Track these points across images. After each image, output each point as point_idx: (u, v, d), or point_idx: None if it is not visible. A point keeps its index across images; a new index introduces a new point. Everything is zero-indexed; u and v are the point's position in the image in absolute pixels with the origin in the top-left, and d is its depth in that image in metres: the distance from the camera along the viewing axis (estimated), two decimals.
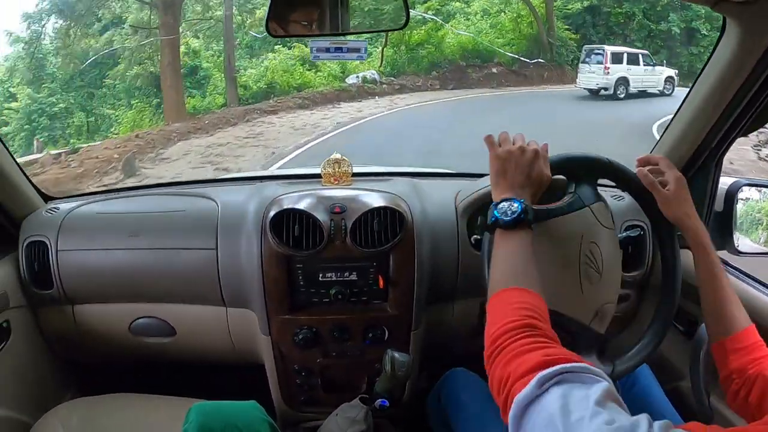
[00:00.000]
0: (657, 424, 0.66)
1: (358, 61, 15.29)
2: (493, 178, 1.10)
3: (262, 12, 15.74)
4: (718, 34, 1.23)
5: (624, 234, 1.52)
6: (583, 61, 16.11)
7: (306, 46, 15.83)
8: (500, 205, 1.03)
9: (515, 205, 1.02)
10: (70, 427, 1.37)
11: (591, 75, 15.60)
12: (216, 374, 1.84)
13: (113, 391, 1.52)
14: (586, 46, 16.76)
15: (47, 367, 1.75)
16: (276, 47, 16.42)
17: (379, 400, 1.44)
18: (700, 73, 1.35)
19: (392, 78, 16.69)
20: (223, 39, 15.39)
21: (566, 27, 18.00)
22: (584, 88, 15.77)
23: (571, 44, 17.82)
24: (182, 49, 14.82)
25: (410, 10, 1.40)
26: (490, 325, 0.89)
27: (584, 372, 0.73)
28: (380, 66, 16.46)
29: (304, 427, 1.63)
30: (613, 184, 1.34)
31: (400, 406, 1.58)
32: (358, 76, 15.98)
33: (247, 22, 16.40)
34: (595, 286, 1.20)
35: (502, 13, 18.00)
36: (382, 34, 15.39)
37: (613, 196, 1.63)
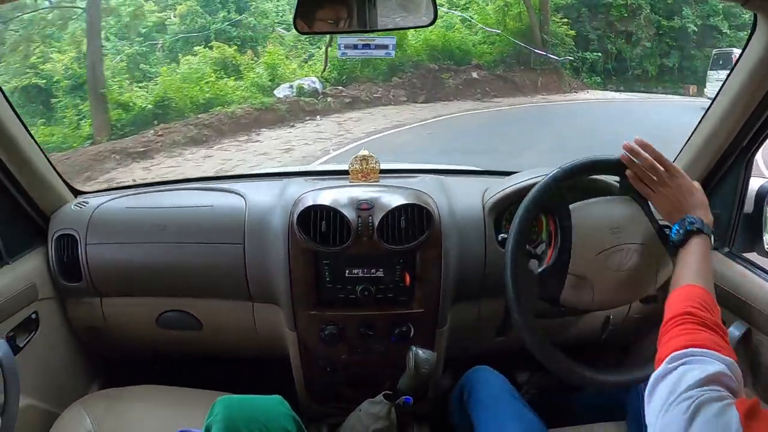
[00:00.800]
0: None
1: (295, 68, 12.60)
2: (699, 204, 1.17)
3: (185, 7, 13.26)
4: (739, 32, 1.22)
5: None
6: (712, 68, 14.51)
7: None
8: (696, 221, 1.13)
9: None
10: (97, 417, 1.38)
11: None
12: (241, 368, 1.83)
13: (139, 383, 1.52)
14: (715, 51, 15.21)
15: (75, 358, 1.76)
16: (197, 48, 12.23)
17: (403, 397, 1.43)
18: (731, 72, 1.33)
19: (340, 87, 12.23)
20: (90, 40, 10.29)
21: (562, 20, 16.07)
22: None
23: (568, 43, 16.08)
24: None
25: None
26: (673, 305, 1.01)
27: (707, 356, 0.86)
28: (324, 71, 12.48)
29: (328, 422, 1.62)
30: None
31: (423, 404, 1.58)
32: (291, 87, 11.58)
33: (172, 17, 13.12)
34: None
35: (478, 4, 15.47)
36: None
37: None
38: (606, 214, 1.30)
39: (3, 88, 1.39)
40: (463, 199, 1.56)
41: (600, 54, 16.88)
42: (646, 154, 1.19)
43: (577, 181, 1.45)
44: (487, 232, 1.52)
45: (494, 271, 1.48)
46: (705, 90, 14.59)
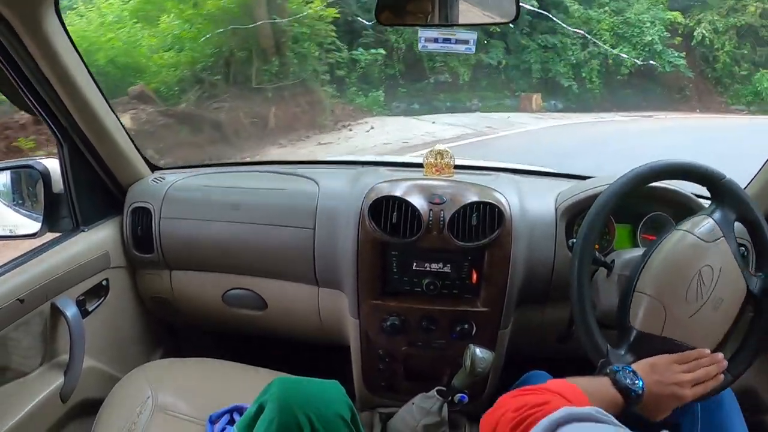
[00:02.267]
0: None
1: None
2: (648, 364, 1.10)
3: None
4: None
5: None
6: None
7: None
8: (630, 373, 1.06)
9: (639, 383, 1.04)
10: (155, 384, 1.40)
11: None
12: (300, 351, 1.83)
13: (200, 355, 1.54)
14: None
15: (140, 326, 1.79)
16: None
17: (459, 394, 1.41)
18: None
19: None
20: None
21: None
22: None
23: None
24: None
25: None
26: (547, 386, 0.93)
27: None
28: None
29: (381, 412, 1.60)
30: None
31: (478, 403, 1.56)
32: None
33: None
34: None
35: None
36: None
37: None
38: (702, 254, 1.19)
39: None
40: (536, 200, 1.52)
41: None
42: None
43: (656, 190, 1.43)
44: (558, 237, 1.47)
45: (562, 277, 1.44)
46: None
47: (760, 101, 12.86)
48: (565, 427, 0.71)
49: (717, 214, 1.20)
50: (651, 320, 1.16)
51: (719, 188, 1.22)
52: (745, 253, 1.39)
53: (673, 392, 1.07)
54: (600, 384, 1.03)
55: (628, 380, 1.03)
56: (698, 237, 1.17)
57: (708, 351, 1.12)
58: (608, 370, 1.06)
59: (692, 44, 13.28)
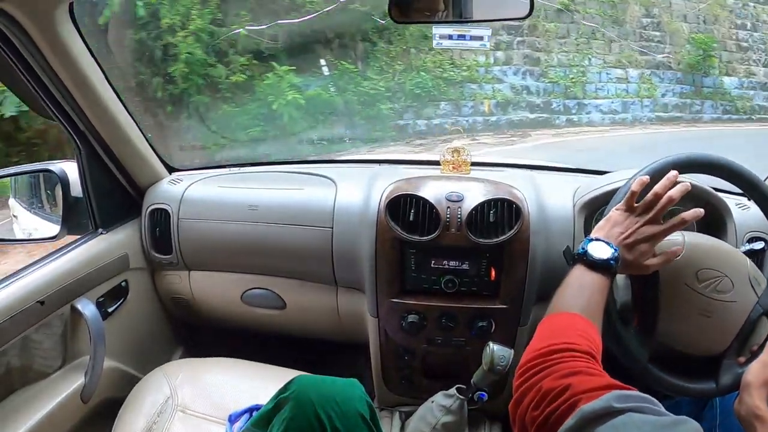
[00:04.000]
0: None
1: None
2: (605, 221, 1.07)
3: None
4: None
5: (746, 247, 1.43)
6: None
7: None
8: (593, 243, 1.01)
9: (610, 250, 0.99)
10: (175, 384, 1.39)
11: None
12: (320, 350, 1.82)
13: (219, 355, 1.53)
14: None
15: (160, 326, 1.80)
16: None
17: (479, 392, 1.40)
18: None
19: None
20: None
21: None
22: None
23: None
24: None
25: None
26: (545, 338, 0.86)
27: (656, 405, 0.69)
28: None
29: (401, 410, 1.59)
30: (739, 190, 1.27)
31: (498, 401, 1.53)
32: None
33: None
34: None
35: None
36: None
37: (738, 205, 1.49)
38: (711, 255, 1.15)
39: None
40: (554, 196, 1.50)
41: None
42: None
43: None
44: (576, 232, 1.44)
45: None
46: None
47: None
48: None
49: None
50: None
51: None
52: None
53: (642, 235, 1.03)
54: (580, 277, 0.99)
55: (599, 253, 0.99)
56: (749, 270, 1.14)
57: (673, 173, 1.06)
58: (575, 256, 1.02)
59: None
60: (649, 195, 1.04)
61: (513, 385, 0.83)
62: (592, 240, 1.02)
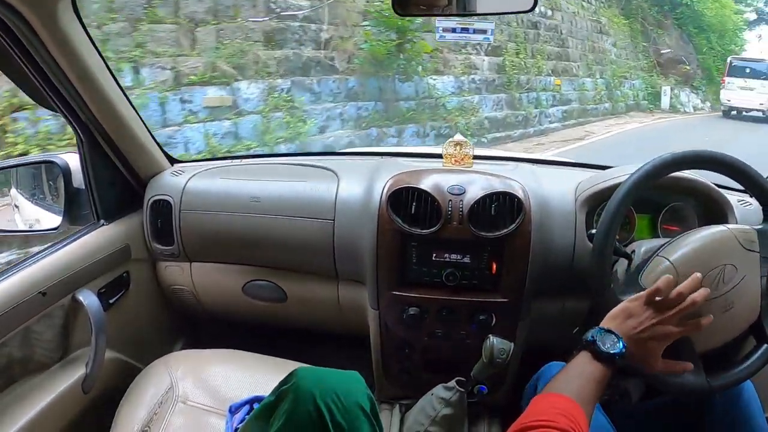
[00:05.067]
0: None
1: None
2: (620, 311, 1.05)
3: None
4: None
5: None
6: (730, 75, 14.43)
7: None
8: (604, 334, 1.00)
9: (619, 345, 0.98)
10: (177, 375, 1.38)
11: (749, 92, 14.03)
12: (321, 342, 1.82)
13: (220, 346, 1.52)
14: (733, 57, 15.18)
15: (161, 317, 1.79)
16: None
17: (478, 385, 1.39)
18: None
19: None
20: None
21: None
22: (734, 108, 14.22)
23: None
24: None
25: None
26: (528, 414, 0.88)
27: None
28: None
29: (401, 403, 1.58)
30: (741, 187, 1.26)
31: (498, 395, 1.53)
32: None
33: None
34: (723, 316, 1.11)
35: None
36: None
37: (740, 201, 1.48)
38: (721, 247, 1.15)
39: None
40: (556, 190, 1.49)
41: None
42: None
43: (678, 180, 1.40)
44: (578, 227, 1.44)
45: (581, 267, 1.41)
46: (721, 96, 15.10)
47: None
48: None
49: (763, 227, 1.18)
50: None
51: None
52: None
53: (655, 334, 1.01)
54: (581, 365, 0.98)
55: (607, 345, 0.98)
56: (737, 237, 1.14)
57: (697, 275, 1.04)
58: (583, 342, 1.00)
59: None
60: (673, 293, 1.02)
61: None
62: (603, 330, 1.01)
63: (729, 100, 14.66)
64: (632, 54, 18.07)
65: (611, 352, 0.97)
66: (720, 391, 1.17)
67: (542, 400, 0.92)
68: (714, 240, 1.15)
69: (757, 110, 14.14)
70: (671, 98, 17.35)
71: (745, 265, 1.12)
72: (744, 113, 14.23)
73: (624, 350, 0.98)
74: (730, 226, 1.17)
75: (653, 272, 1.14)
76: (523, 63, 12.07)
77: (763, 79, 14.20)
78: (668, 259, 1.13)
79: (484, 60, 11.11)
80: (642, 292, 1.04)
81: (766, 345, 1.16)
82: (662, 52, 18.78)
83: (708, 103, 19.38)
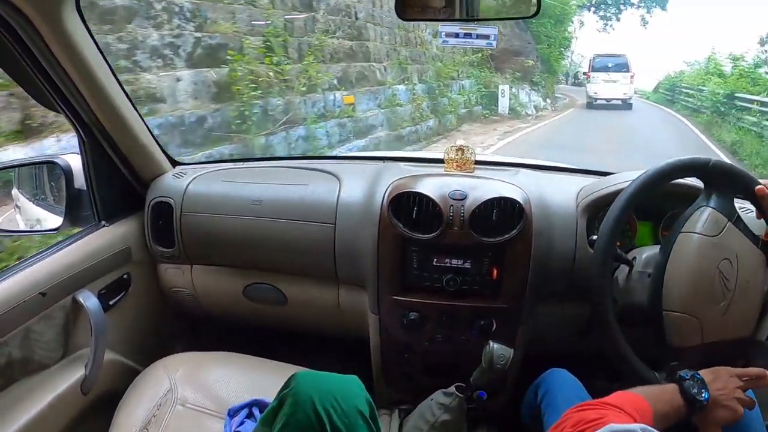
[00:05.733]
0: None
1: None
2: (712, 373, 1.09)
3: None
4: None
5: None
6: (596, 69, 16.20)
7: None
8: (698, 380, 1.06)
9: (704, 394, 1.04)
10: (176, 377, 1.38)
11: (613, 84, 16.02)
12: (321, 346, 1.81)
13: (220, 349, 1.52)
14: (596, 54, 16.92)
15: (161, 319, 1.78)
16: None
17: (478, 391, 1.38)
18: None
19: None
20: None
21: None
22: (601, 99, 16.08)
23: None
24: None
25: None
26: (610, 398, 0.93)
27: None
28: None
29: (399, 408, 1.57)
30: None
31: (497, 400, 1.52)
32: None
33: None
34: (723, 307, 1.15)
35: None
36: None
37: (741, 209, 1.50)
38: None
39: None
40: (557, 196, 1.49)
41: None
42: None
43: (679, 187, 1.39)
44: (579, 233, 1.44)
45: (582, 273, 1.41)
46: (588, 90, 16.62)
47: None
48: None
49: (713, 201, 1.20)
50: (688, 335, 1.16)
51: (709, 173, 1.22)
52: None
53: (731, 406, 1.06)
54: (666, 392, 1.04)
55: (695, 390, 1.04)
56: (704, 234, 1.16)
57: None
58: (677, 376, 1.05)
59: None
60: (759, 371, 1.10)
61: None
62: (697, 376, 1.06)
63: (596, 93, 16.32)
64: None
65: (696, 396, 1.03)
66: None
67: (622, 394, 0.97)
68: (690, 260, 1.19)
69: (618, 99, 16.15)
70: (510, 99, 14.73)
71: (729, 248, 1.18)
72: (606, 102, 16.25)
73: (706, 402, 1.04)
74: (687, 228, 1.21)
75: (674, 328, 1.19)
76: (278, 73, 6.87)
77: (624, 71, 16.11)
78: (675, 312, 1.18)
79: (180, 77, 5.45)
80: (734, 370, 1.10)
81: None
82: None
83: (549, 101, 17.62)
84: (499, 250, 1.41)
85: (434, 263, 1.43)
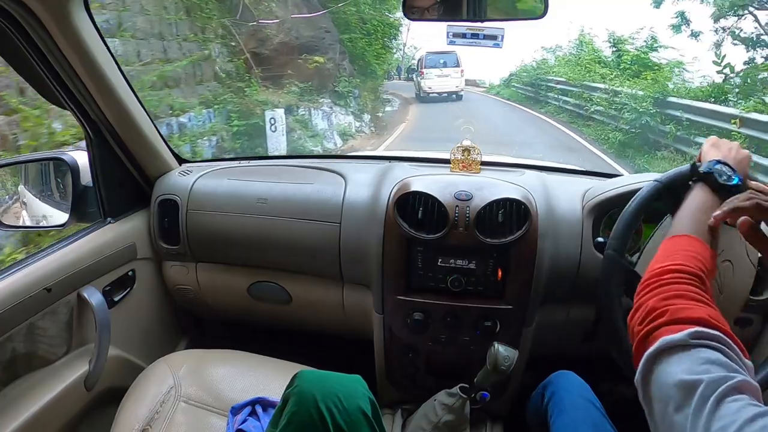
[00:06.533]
0: None
1: None
2: (709, 147, 1.11)
3: None
4: None
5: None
6: (430, 66, 16.85)
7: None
8: (718, 165, 1.03)
9: (735, 178, 1.01)
10: (179, 374, 1.38)
11: (446, 79, 16.84)
12: (325, 345, 1.81)
13: (223, 347, 1.52)
14: (428, 52, 17.38)
15: (165, 316, 1.79)
16: None
17: (481, 392, 1.38)
18: None
19: None
20: None
21: None
22: (435, 93, 16.73)
23: None
24: None
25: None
26: (662, 259, 0.88)
27: (737, 354, 0.69)
28: None
29: (403, 408, 1.58)
30: None
31: (501, 401, 1.52)
32: None
33: None
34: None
35: None
36: None
37: None
38: None
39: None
40: (563, 198, 1.48)
41: None
42: None
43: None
44: (584, 235, 1.43)
45: (588, 275, 1.40)
46: (422, 86, 17.03)
47: None
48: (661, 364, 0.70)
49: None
50: None
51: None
52: None
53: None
54: (703, 199, 1.01)
55: (723, 177, 1.01)
56: None
57: None
58: (700, 174, 1.03)
59: None
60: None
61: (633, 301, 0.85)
62: (716, 162, 1.04)
63: (430, 88, 16.96)
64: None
65: (728, 184, 1.01)
66: None
67: (673, 241, 0.93)
68: None
69: (452, 92, 16.98)
70: (291, 129, 9.22)
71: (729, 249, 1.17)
72: (438, 96, 16.86)
73: (740, 183, 1.01)
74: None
75: None
76: None
77: (455, 66, 16.84)
78: None
79: None
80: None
81: None
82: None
83: (367, 116, 12.46)
84: (504, 252, 1.40)
85: (439, 263, 1.42)
